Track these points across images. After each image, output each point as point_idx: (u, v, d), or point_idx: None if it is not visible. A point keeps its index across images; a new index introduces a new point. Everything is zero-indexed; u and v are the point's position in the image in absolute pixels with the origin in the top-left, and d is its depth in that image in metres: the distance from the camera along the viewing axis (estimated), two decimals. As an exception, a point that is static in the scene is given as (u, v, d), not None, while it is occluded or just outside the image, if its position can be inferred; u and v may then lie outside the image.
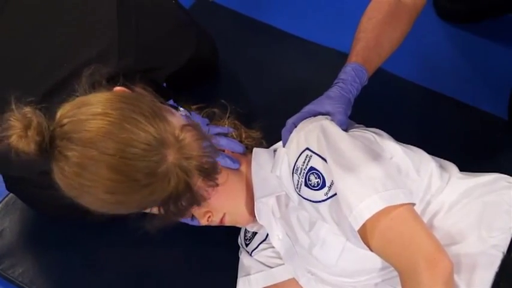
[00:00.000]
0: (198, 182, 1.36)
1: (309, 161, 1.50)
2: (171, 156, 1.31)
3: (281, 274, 1.73)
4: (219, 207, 1.64)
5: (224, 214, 1.65)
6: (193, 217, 1.70)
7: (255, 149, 1.72)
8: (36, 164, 1.32)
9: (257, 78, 2.13)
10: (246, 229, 1.82)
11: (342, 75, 1.65)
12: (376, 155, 1.48)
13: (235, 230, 1.84)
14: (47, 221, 1.97)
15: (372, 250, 1.42)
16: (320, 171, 1.47)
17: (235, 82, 2.10)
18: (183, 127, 1.34)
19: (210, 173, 1.38)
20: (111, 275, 1.90)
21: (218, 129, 1.75)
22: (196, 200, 1.38)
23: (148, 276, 1.89)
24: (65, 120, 1.30)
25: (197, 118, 1.72)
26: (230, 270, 1.82)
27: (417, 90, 2.11)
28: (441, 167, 1.60)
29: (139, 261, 1.92)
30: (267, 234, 1.71)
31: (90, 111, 1.30)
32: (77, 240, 1.95)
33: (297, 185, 1.52)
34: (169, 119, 1.35)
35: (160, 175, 1.30)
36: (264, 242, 1.77)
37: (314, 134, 1.52)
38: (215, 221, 1.66)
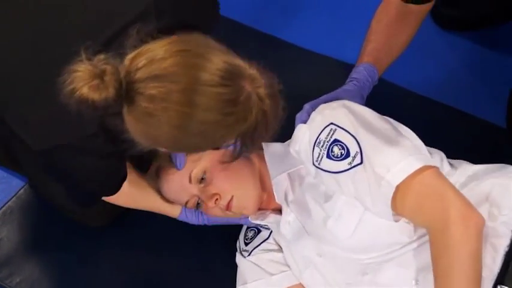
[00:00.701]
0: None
1: (333, 134, 1.54)
2: (248, 86, 1.33)
3: (281, 282, 1.73)
4: (228, 188, 1.67)
5: (232, 197, 1.67)
6: (198, 207, 1.71)
7: (264, 143, 1.73)
8: (93, 120, 1.36)
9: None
10: (246, 231, 1.82)
11: (354, 74, 1.75)
12: (399, 130, 1.57)
13: (235, 232, 1.85)
14: (44, 231, 1.98)
15: (403, 211, 1.47)
16: (344, 142, 1.52)
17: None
18: (248, 62, 1.36)
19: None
20: (110, 284, 1.90)
21: None
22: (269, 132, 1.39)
23: (149, 282, 1.90)
24: (141, 63, 1.30)
25: None
26: (230, 273, 1.82)
27: (414, 99, 2.11)
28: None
29: (139, 268, 1.92)
30: (270, 233, 1.74)
31: (163, 51, 1.31)
32: (75, 249, 1.95)
33: (318, 157, 1.55)
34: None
35: (242, 104, 1.32)
36: (267, 241, 1.77)
37: (339, 110, 1.59)
38: (222, 204, 1.67)
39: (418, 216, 1.48)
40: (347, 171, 1.51)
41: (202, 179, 1.69)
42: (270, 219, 1.73)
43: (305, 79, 2.14)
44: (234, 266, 1.82)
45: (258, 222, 1.76)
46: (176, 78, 1.29)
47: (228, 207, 1.69)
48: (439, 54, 2.22)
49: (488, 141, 2.01)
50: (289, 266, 1.74)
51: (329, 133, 1.56)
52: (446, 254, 1.40)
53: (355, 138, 1.52)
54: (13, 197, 2.03)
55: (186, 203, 1.73)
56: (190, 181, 1.70)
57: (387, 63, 1.79)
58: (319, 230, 1.62)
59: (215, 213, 1.73)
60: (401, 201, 1.46)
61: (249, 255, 1.78)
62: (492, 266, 1.46)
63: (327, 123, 1.57)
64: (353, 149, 1.51)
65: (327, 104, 1.64)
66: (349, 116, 1.56)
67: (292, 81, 2.12)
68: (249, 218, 1.76)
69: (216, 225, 1.85)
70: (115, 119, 1.35)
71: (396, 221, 1.52)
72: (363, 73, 1.74)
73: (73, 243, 1.95)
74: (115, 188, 1.67)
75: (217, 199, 1.67)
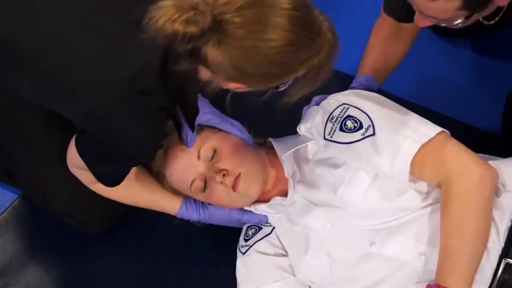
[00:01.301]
0: None
1: (346, 111, 1.66)
2: (321, 17, 1.42)
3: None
4: (236, 164, 1.71)
5: (239, 174, 1.71)
6: (204, 188, 1.72)
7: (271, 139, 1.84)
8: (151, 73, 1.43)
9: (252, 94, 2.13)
10: (246, 230, 1.82)
11: (355, 84, 1.85)
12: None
13: (232, 243, 1.85)
14: (39, 241, 1.98)
15: (422, 170, 1.57)
16: (357, 117, 1.64)
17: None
18: None
19: None
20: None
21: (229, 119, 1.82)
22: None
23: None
24: None
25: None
26: (225, 281, 1.83)
27: (411, 108, 2.10)
28: None
29: (135, 279, 1.93)
30: (272, 229, 1.76)
31: None
32: (70, 259, 1.95)
33: (330, 131, 1.66)
34: None
35: (317, 33, 1.41)
36: (269, 236, 1.78)
37: (350, 94, 1.72)
38: (229, 180, 1.70)
39: (437, 169, 1.57)
40: (361, 141, 1.61)
41: (211, 155, 1.72)
42: (275, 201, 1.76)
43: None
44: (231, 274, 1.82)
45: (262, 212, 1.78)
46: (268, 3, 1.36)
47: (234, 184, 1.71)
48: (435, 61, 2.22)
49: (483, 148, 2.01)
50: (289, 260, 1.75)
51: (342, 110, 1.67)
52: (463, 198, 1.51)
53: (367, 114, 1.63)
54: (8, 207, 2.02)
55: (192, 183, 1.74)
56: (198, 157, 1.73)
57: (386, 73, 1.90)
58: (329, 199, 1.66)
59: (220, 196, 1.74)
60: (421, 161, 1.56)
61: (248, 249, 1.78)
62: (495, 238, 1.54)
63: (340, 103, 1.69)
64: (365, 122, 1.62)
65: (338, 92, 1.74)
66: (361, 98, 1.68)
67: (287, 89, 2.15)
68: (255, 209, 1.78)
69: (215, 224, 1.85)
70: (181, 64, 1.41)
71: (411, 180, 1.60)
72: (363, 83, 1.83)
73: (68, 254, 1.95)
74: (149, 155, 1.69)
75: (224, 174, 1.70)
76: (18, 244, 1.98)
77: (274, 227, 1.80)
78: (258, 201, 1.79)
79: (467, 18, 1.51)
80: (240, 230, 1.86)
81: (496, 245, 1.55)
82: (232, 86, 1.46)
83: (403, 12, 1.80)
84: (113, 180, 1.69)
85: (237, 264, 1.81)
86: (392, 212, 1.62)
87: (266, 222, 1.81)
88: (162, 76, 1.47)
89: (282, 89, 1.48)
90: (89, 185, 1.78)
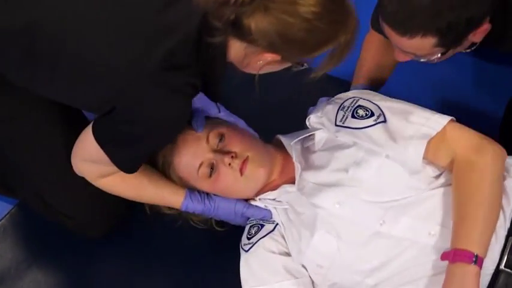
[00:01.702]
0: None
1: (356, 102, 1.76)
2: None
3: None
4: (245, 148, 1.76)
5: (247, 157, 1.75)
6: (211, 173, 1.76)
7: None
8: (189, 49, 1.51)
9: (248, 100, 2.13)
10: (249, 228, 1.83)
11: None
12: None
13: (228, 254, 1.85)
14: (38, 249, 1.98)
15: (436, 152, 1.66)
16: (368, 106, 1.73)
17: (226, 104, 2.11)
18: None
19: None
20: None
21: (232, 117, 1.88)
22: None
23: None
24: None
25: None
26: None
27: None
28: None
29: (137, 283, 1.93)
30: (275, 226, 1.77)
31: None
32: (69, 266, 1.95)
33: (342, 118, 1.74)
34: None
35: (350, 13, 1.50)
36: (272, 233, 1.78)
37: (358, 92, 1.81)
38: (237, 162, 1.74)
39: (452, 147, 1.66)
40: (373, 126, 1.70)
41: (220, 139, 1.76)
42: (283, 188, 1.78)
43: (298, 94, 2.14)
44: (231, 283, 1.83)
45: (270, 196, 1.80)
46: None
47: (242, 166, 1.75)
48: (434, 66, 2.22)
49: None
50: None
51: (352, 101, 1.76)
52: (479, 169, 1.60)
53: (377, 105, 1.72)
54: (6, 215, 2.03)
55: (199, 167, 1.76)
56: (207, 141, 1.76)
57: (380, 83, 1.96)
58: (339, 179, 1.70)
59: (227, 180, 1.76)
60: (435, 144, 1.66)
61: (252, 246, 1.79)
62: (502, 220, 1.61)
63: (351, 96, 1.78)
64: (376, 111, 1.72)
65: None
66: (369, 94, 1.78)
67: (285, 96, 2.15)
68: (259, 197, 1.81)
69: (218, 219, 1.86)
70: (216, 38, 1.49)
71: (424, 163, 1.67)
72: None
73: (67, 260, 1.95)
74: (173, 137, 1.72)
75: (233, 156, 1.74)
76: (16, 251, 1.98)
77: (277, 224, 1.80)
78: (264, 191, 1.81)
79: (443, 54, 1.57)
80: (241, 232, 1.85)
81: (503, 226, 1.61)
82: (267, 57, 1.52)
83: None
84: (132, 165, 1.71)
85: (240, 264, 1.81)
86: (402, 190, 1.66)
87: (270, 219, 1.82)
88: (196, 49, 1.53)
89: (303, 67, 1.56)
90: (95, 180, 1.78)
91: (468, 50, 1.70)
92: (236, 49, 1.54)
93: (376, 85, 1.94)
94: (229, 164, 1.74)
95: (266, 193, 1.81)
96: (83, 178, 1.79)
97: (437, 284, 1.58)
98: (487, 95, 2.16)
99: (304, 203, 1.73)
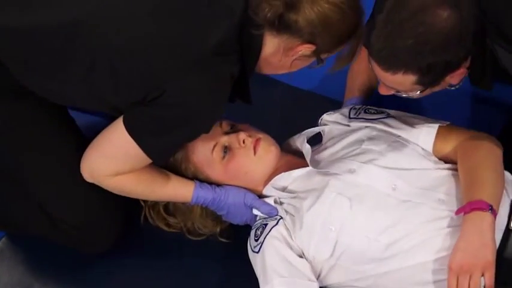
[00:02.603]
0: None
1: (366, 106, 1.98)
2: None
3: None
4: (257, 132, 1.88)
5: (259, 138, 1.86)
6: (224, 154, 1.85)
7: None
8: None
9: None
10: (255, 231, 1.85)
11: (349, 105, 2.03)
12: None
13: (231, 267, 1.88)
14: (34, 271, 1.98)
15: (444, 142, 1.84)
16: (377, 108, 1.95)
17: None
18: None
19: None
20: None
21: None
22: None
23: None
24: None
25: None
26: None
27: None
28: None
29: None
30: (278, 220, 1.81)
31: None
32: (67, 286, 1.96)
33: (355, 114, 1.95)
34: None
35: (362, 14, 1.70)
36: (276, 226, 1.81)
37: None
38: (250, 140, 1.85)
39: (458, 137, 1.84)
40: (385, 118, 1.91)
41: (231, 127, 1.88)
42: (294, 173, 1.87)
43: (292, 115, 2.18)
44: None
45: (279, 182, 1.87)
46: None
47: (256, 144, 1.85)
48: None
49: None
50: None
51: (361, 107, 1.98)
52: (484, 148, 1.78)
53: (385, 109, 1.95)
54: (2, 237, 2.03)
55: (214, 148, 1.85)
56: (221, 126, 1.87)
57: (371, 92, 2.09)
58: (354, 149, 1.85)
59: (240, 161, 1.85)
60: (443, 132, 1.85)
61: (261, 246, 1.80)
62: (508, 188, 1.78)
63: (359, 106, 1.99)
64: (385, 111, 1.94)
65: None
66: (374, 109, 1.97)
67: (279, 117, 2.17)
68: (273, 180, 1.87)
69: (226, 210, 1.89)
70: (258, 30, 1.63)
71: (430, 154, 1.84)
72: (357, 103, 2.04)
73: (64, 282, 1.96)
74: (211, 126, 1.76)
75: (245, 140, 1.84)
76: (13, 274, 1.98)
77: (281, 218, 1.83)
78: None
79: (422, 91, 1.69)
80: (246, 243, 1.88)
81: (508, 194, 1.77)
82: (305, 48, 1.65)
83: None
84: (164, 154, 1.78)
85: (255, 268, 1.82)
86: (414, 161, 1.81)
87: (274, 215, 1.85)
88: (237, 40, 1.65)
89: (321, 65, 1.71)
90: (107, 179, 1.79)
91: (452, 88, 1.79)
92: (273, 43, 1.66)
93: (368, 95, 2.08)
94: (243, 141, 1.83)
95: (281, 174, 1.87)
96: (89, 183, 1.81)
97: (449, 242, 1.68)
98: (487, 103, 2.21)
99: (313, 182, 1.82)
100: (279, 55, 1.69)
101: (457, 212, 1.69)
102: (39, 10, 1.66)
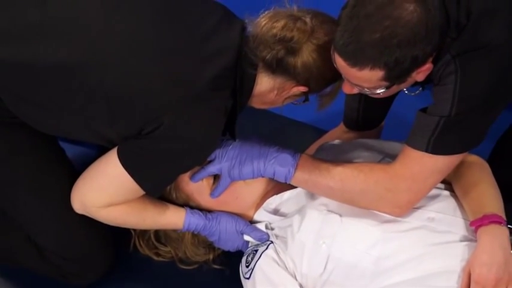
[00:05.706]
0: None
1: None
2: None
3: None
4: None
5: None
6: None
7: None
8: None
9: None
10: (246, 257, 1.85)
11: None
12: None
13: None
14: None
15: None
16: None
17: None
18: None
19: None
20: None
21: None
22: None
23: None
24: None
25: None
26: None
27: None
28: None
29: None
30: (268, 245, 1.82)
31: None
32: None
33: None
34: None
35: None
36: (266, 251, 1.81)
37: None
38: None
39: None
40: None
41: None
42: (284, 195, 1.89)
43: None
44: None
45: (275, 203, 1.88)
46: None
47: None
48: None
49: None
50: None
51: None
52: (476, 165, 1.81)
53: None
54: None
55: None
56: None
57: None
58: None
59: (231, 187, 1.84)
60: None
61: (252, 271, 1.80)
62: None
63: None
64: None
65: None
66: None
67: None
68: (266, 204, 1.88)
69: (217, 236, 1.88)
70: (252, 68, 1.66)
71: None
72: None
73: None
74: (205, 159, 1.79)
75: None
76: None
77: (271, 242, 1.83)
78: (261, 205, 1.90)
79: (387, 88, 1.66)
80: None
81: None
82: (299, 89, 1.70)
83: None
84: (159, 187, 1.78)
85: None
86: None
87: (265, 241, 1.86)
88: (232, 76, 1.67)
89: (306, 102, 1.75)
90: (99, 211, 1.77)
91: (413, 94, 1.81)
92: (268, 83, 1.70)
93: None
94: None
95: (267, 201, 1.88)
96: (80, 215, 1.79)
97: (440, 259, 1.68)
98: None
99: (303, 201, 1.84)
100: (272, 94, 1.72)
101: (473, 224, 1.69)
102: (33, 44, 1.64)
